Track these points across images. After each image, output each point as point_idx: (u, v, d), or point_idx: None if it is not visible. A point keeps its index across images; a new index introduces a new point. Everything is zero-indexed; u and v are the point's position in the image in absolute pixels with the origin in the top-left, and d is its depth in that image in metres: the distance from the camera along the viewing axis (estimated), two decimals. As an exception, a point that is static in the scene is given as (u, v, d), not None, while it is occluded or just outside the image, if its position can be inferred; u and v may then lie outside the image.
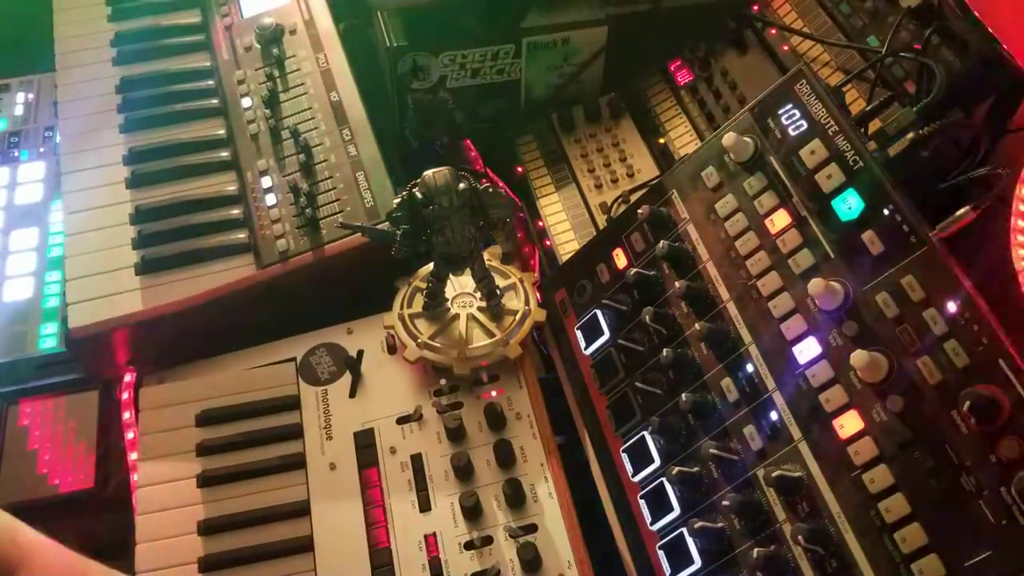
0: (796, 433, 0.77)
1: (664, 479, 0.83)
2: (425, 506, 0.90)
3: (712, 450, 0.81)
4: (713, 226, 0.90)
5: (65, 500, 1.03)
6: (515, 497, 0.88)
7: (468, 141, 1.35)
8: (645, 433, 0.86)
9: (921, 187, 0.88)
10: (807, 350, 0.78)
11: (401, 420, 0.96)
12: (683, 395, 0.84)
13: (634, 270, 0.93)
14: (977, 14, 0.96)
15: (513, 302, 1.01)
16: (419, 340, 0.98)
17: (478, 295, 1.01)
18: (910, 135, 0.86)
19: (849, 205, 0.80)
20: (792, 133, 0.86)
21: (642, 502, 0.85)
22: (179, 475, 0.96)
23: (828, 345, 0.77)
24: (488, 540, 0.87)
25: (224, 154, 1.19)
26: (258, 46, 1.27)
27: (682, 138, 1.21)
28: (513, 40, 1.23)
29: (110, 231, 1.12)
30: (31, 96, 1.35)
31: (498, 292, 1.00)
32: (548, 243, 1.19)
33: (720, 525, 0.79)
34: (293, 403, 1.00)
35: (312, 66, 1.23)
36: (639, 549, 0.85)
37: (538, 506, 0.89)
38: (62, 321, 1.02)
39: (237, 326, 1.05)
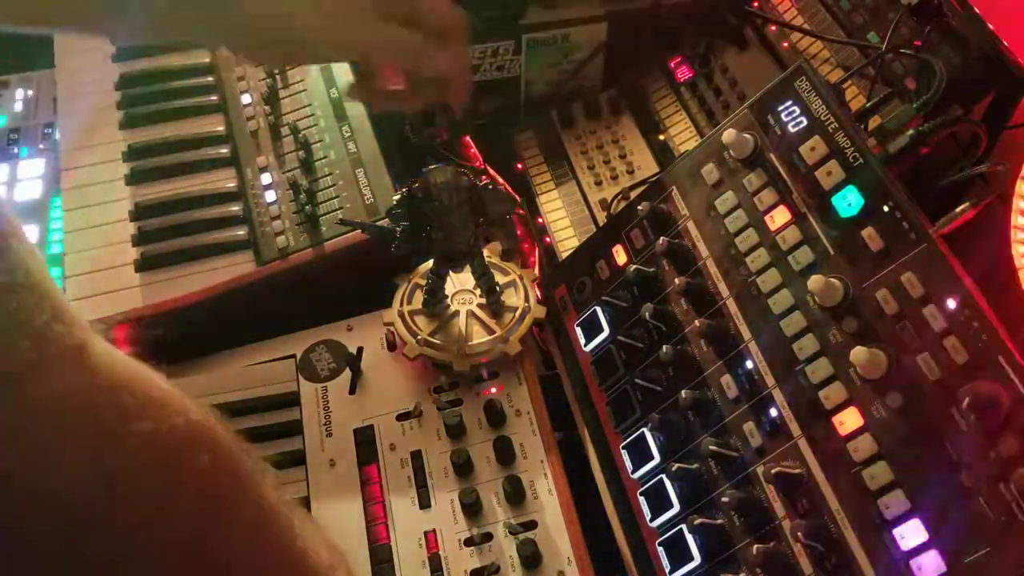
0: (796, 430, 0.77)
1: (664, 476, 0.83)
2: (425, 503, 0.90)
3: (712, 447, 0.81)
4: (713, 223, 0.90)
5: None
6: (515, 494, 0.88)
7: (468, 138, 1.36)
8: (645, 430, 0.86)
9: (921, 184, 0.88)
10: (806, 347, 0.78)
11: (401, 417, 0.96)
12: (683, 392, 0.84)
13: (634, 267, 0.93)
14: (977, 10, 0.96)
15: (513, 299, 1.01)
16: (419, 337, 0.98)
17: (478, 292, 1.01)
18: (910, 132, 0.86)
19: (849, 202, 0.80)
20: (792, 130, 0.86)
21: (642, 499, 0.85)
22: (179, 472, 0.96)
23: (828, 342, 0.77)
24: (488, 537, 0.87)
25: (224, 151, 1.19)
26: (258, 43, 1.27)
27: (682, 135, 1.21)
28: (513, 36, 1.23)
29: (110, 228, 1.12)
30: (31, 93, 1.35)
31: (498, 289, 1.00)
32: (548, 240, 1.19)
33: (720, 522, 0.79)
34: (293, 400, 1.00)
35: (312, 63, 1.23)
36: (639, 546, 0.85)
37: (538, 503, 0.89)
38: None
39: (236, 323, 1.05)
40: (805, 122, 0.85)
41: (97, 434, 0.40)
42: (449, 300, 1.01)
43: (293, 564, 0.49)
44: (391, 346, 1.02)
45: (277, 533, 0.48)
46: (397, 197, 0.92)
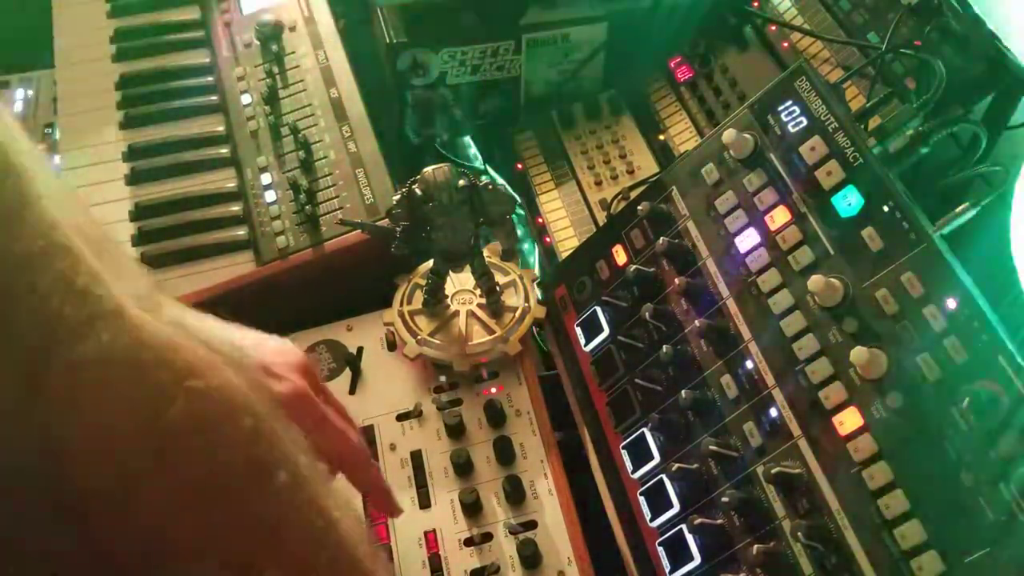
0: (796, 430, 0.77)
1: (664, 476, 0.83)
2: (425, 503, 0.90)
3: (712, 447, 0.81)
4: (713, 223, 0.90)
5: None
6: (515, 494, 0.89)
7: (468, 138, 1.36)
8: (645, 430, 0.86)
9: (921, 184, 0.88)
10: (806, 347, 0.78)
11: (401, 417, 0.96)
12: (683, 392, 0.84)
13: (634, 267, 0.93)
14: (977, 10, 0.96)
15: (513, 299, 1.01)
16: (419, 337, 0.98)
17: (478, 292, 1.01)
18: (910, 132, 0.86)
19: (849, 202, 0.80)
20: (792, 130, 0.86)
21: (642, 499, 0.85)
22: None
23: (828, 342, 0.77)
24: (488, 536, 0.87)
25: (224, 151, 1.19)
26: (258, 43, 1.27)
27: (682, 135, 1.21)
28: (513, 36, 1.23)
29: (110, 228, 1.11)
30: (31, 93, 1.35)
31: (498, 289, 1.00)
32: (548, 240, 1.19)
33: (720, 522, 0.79)
34: (293, 400, 1.00)
35: (312, 63, 1.23)
36: (639, 546, 0.85)
37: (538, 503, 0.89)
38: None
39: (236, 323, 1.05)
40: (805, 122, 0.85)
41: (148, 392, 0.40)
42: (449, 300, 1.01)
43: (327, 529, 0.49)
44: (391, 346, 1.02)
45: (313, 499, 0.49)
46: (397, 197, 0.92)
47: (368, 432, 0.95)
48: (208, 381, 0.42)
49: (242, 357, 0.71)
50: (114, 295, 0.40)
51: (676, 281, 0.89)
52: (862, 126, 0.90)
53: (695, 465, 0.82)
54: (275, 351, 0.74)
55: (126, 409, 0.39)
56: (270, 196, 1.11)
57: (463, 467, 0.91)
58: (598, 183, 1.21)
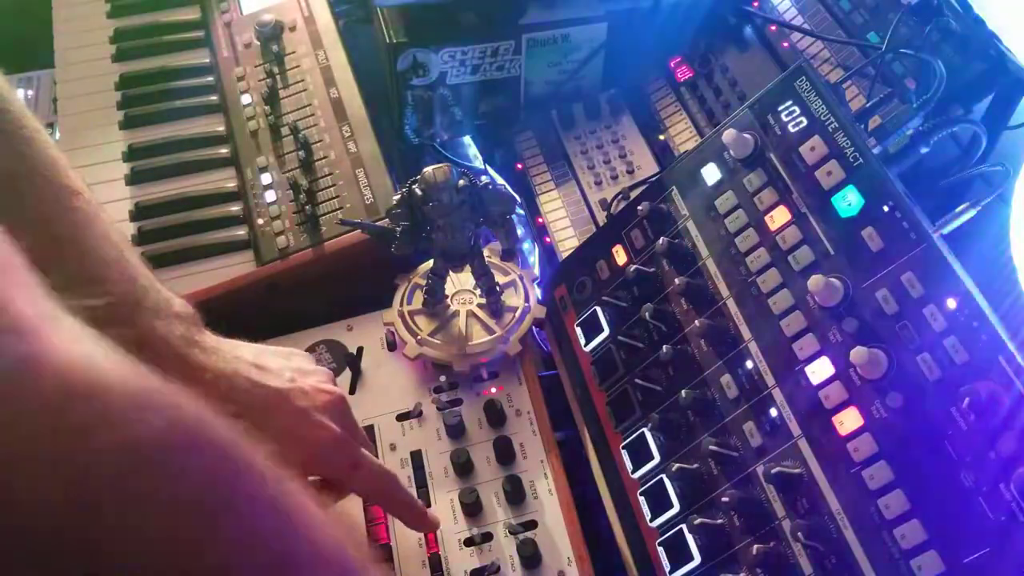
0: (796, 430, 0.77)
1: (664, 476, 0.83)
2: (425, 503, 0.90)
3: (711, 447, 0.81)
4: (713, 223, 0.90)
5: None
6: (515, 494, 0.88)
7: (468, 138, 1.36)
8: (645, 430, 0.86)
9: (921, 184, 0.88)
10: (807, 347, 0.78)
11: (401, 417, 0.96)
12: (683, 392, 0.84)
13: (634, 267, 0.93)
14: (977, 11, 0.97)
15: (513, 299, 1.01)
16: (419, 337, 0.98)
17: (478, 292, 1.01)
18: (910, 132, 0.86)
19: (849, 202, 0.80)
20: (792, 130, 0.86)
21: (642, 499, 0.85)
22: (179, 472, 0.95)
23: (828, 342, 0.77)
24: (488, 536, 0.87)
25: (224, 151, 1.19)
26: (258, 43, 1.27)
27: (682, 135, 1.21)
28: (513, 36, 1.23)
29: (110, 228, 1.12)
30: (31, 93, 1.35)
31: (498, 289, 1.00)
32: (548, 240, 1.19)
33: (720, 522, 0.79)
34: (293, 400, 0.99)
35: (312, 63, 1.23)
36: (639, 546, 0.85)
37: (538, 503, 0.89)
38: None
39: (236, 323, 1.05)
40: (805, 122, 0.85)
41: (57, 450, 0.36)
42: (449, 300, 1.01)
43: (319, 546, 0.48)
44: (391, 346, 1.02)
45: (297, 518, 0.47)
46: (397, 197, 0.92)
47: (368, 432, 0.95)
48: (133, 428, 0.39)
49: (286, 393, 0.72)
50: (27, 339, 0.36)
51: (676, 281, 0.89)
52: (862, 126, 0.90)
53: (695, 465, 0.82)
54: (314, 388, 0.77)
55: (35, 471, 0.36)
56: (270, 196, 1.11)
57: (463, 467, 0.91)
58: (598, 183, 1.21)
